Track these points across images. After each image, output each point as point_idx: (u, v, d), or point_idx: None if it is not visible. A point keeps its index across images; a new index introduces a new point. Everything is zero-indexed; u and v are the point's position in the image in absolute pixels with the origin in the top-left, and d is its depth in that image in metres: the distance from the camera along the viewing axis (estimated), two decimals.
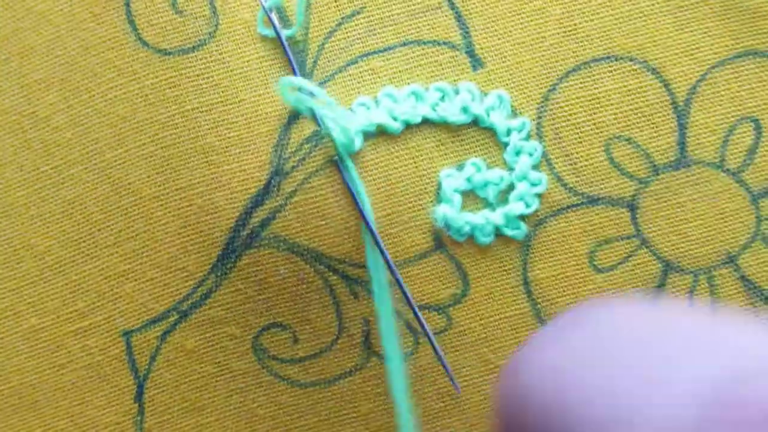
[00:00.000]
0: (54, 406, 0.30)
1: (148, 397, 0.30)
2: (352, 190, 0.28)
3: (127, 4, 0.29)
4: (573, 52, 0.29)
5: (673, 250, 0.29)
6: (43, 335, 0.30)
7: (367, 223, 0.28)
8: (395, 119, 0.29)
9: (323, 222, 0.29)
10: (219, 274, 0.30)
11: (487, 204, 0.29)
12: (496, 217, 0.29)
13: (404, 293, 0.28)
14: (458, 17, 0.29)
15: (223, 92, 0.29)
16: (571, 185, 0.29)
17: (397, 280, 0.28)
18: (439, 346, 0.30)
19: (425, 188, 0.29)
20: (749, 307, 0.30)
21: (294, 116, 0.29)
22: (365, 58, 0.29)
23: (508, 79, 0.29)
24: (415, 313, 0.28)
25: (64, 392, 0.30)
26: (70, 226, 0.30)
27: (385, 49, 0.29)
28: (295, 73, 0.28)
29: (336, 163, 0.29)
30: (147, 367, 0.30)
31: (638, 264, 0.29)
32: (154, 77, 0.29)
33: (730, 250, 0.29)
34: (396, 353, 0.26)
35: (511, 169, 0.29)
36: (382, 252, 0.28)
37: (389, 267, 0.28)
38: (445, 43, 0.29)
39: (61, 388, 0.30)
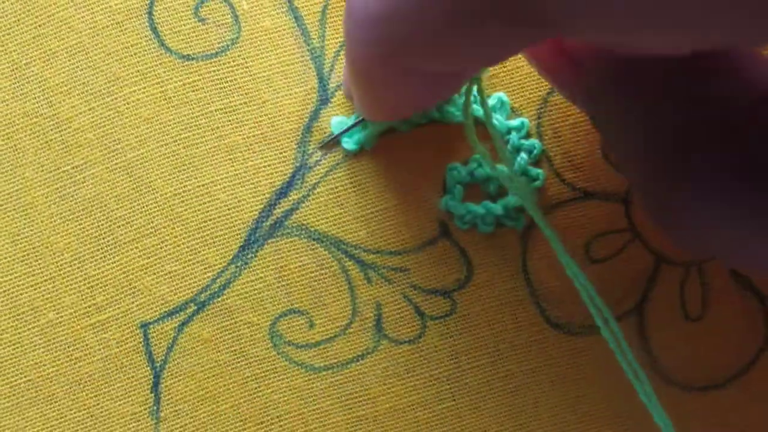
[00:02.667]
0: (71, 399, 0.31)
1: (164, 386, 0.31)
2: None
3: (150, 12, 0.30)
4: None
5: (664, 242, 0.30)
6: (61, 329, 0.31)
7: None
8: (405, 121, 0.30)
9: (342, 210, 0.31)
10: (239, 264, 0.31)
11: (490, 197, 0.31)
12: (497, 208, 0.30)
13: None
14: None
15: (246, 94, 0.30)
16: (569, 181, 0.31)
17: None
18: (445, 329, 0.31)
19: (433, 181, 0.31)
20: (739, 298, 0.31)
21: (315, 116, 0.31)
22: None
23: (509, 83, 0.31)
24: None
25: (81, 385, 0.31)
26: (89, 223, 0.30)
27: None
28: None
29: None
30: (163, 357, 0.31)
31: (631, 256, 0.30)
32: (177, 81, 0.30)
33: None
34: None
35: (511, 166, 0.30)
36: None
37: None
38: None
39: (78, 380, 0.31)
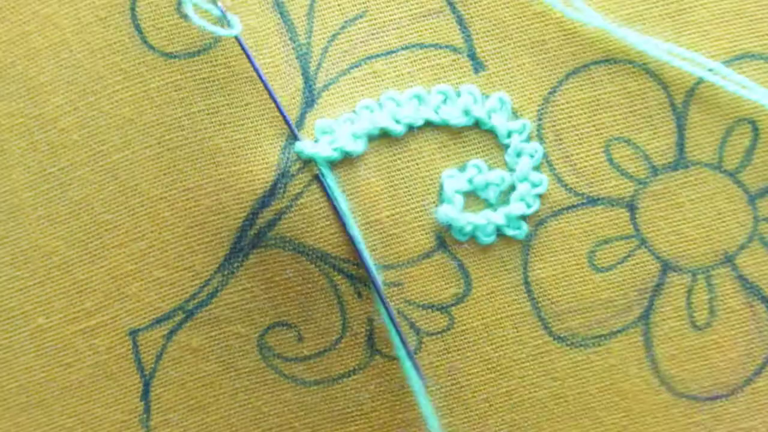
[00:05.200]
0: (61, 405, 0.30)
1: (154, 395, 0.30)
2: (335, 206, 0.28)
3: (133, 9, 0.30)
4: (573, 55, 0.29)
5: (671, 249, 0.30)
6: (50, 334, 0.30)
7: (352, 239, 0.28)
8: (398, 122, 0.29)
9: (328, 223, 0.30)
10: (226, 273, 0.30)
11: (489, 205, 0.30)
12: (498, 217, 0.29)
13: (382, 300, 0.28)
14: (460, 21, 0.30)
15: (229, 95, 0.30)
16: (572, 186, 0.30)
17: (377, 288, 0.28)
18: (442, 345, 0.30)
19: (428, 189, 0.30)
20: (747, 306, 0.30)
21: (300, 120, 0.30)
22: (368, 61, 0.30)
23: (510, 82, 0.30)
24: (391, 317, 0.28)
25: (71, 391, 0.30)
26: (77, 226, 0.30)
27: (387, 53, 0.30)
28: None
29: (318, 178, 0.29)
30: (153, 365, 0.30)
31: (637, 263, 0.30)
32: (160, 80, 0.30)
33: (727, 250, 0.30)
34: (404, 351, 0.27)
35: (512, 171, 0.30)
36: (366, 264, 0.28)
37: (370, 275, 0.28)
38: (447, 47, 0.30)
39: (68, 386, 0.30)
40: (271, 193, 0.30)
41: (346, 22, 0.30)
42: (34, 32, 0.30)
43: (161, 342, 0.30)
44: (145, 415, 0.30)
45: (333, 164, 0.30)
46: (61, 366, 0.30)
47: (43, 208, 0.30)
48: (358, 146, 0.29)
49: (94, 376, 0.30)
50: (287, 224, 0.30)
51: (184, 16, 0.30)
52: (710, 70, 0.29)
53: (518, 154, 0.29)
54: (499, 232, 0.30)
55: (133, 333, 0.30)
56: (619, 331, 0.30)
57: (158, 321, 0.30)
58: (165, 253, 0.30)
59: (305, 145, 0.29)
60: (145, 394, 0.30)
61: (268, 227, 0.30)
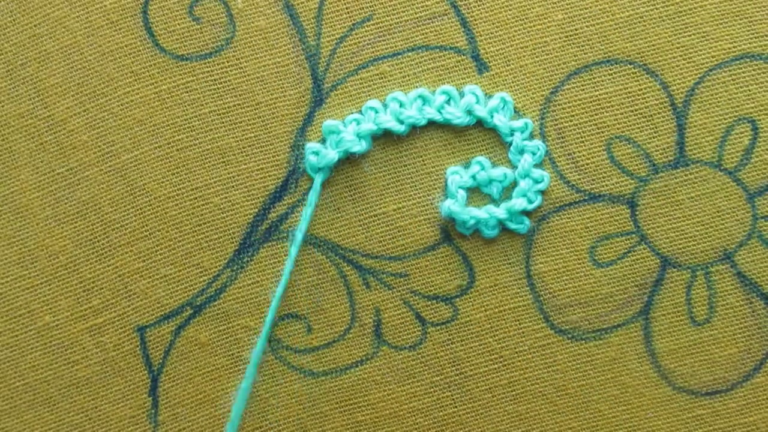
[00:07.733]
0: (68, 402, 0.31)
1: (162, 390, 0.30)
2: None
3: (145, 12, 0.30)
4: (574, 56, 0.30)
5: (671, 246, 0.30)
6: (57, 332, 0.30)
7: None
8: (401, 122, 0.30)
9: (338, 214, 0.30)
10: (235, 268, 0.30)
11: (493, 200, 0.30)
12: (499, 211, 0.30)
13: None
14: (464, 23, 0.30)
15: (240, 96, 0.30)
16: (574, 183, 0.30)
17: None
18: (447, 336, 0.31)
19: (433, 185, 0.30)
20: (746, 303, 0.30)
21: (309, 119, 0.30)
22: (375, 63, 0.30)
23: (512, 82, 0.30)
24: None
25: (79, 388, 0.30)
26: (84, 226, 0.30)
27: (394, 54, 0.30)
28: None
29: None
30: (161, 361, 0.30)
31: (637, 259, 0.30)
32: (170, 82, 0.30)
33: (726, 247, 0.30)
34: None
35: (515, 168, 0.30)
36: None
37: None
38: (451, 48, 0.30)
39: (75, 383, 0.30)
40: (283, 188, 0.30)
41: (354, 24, 0.30)
42: (45, 35, 0.30)
43: (169, 338, 0.30)
44: (153, 410, 0.31)
45: (340, 158, 0.30)
46: (68, 363, 0.30)
47: (51, 208, 0.30)
48: (362, 146, 0.30)
49: (101, 372, 0.30)
50: (299, 217, 0.30)
51: (197, 20, 0.30)
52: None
53: (520, 152, 0.30)
54: (503, 227, 0.30)
55: (141, 330, 0.30)
56: (619, 326, 0.30)
57: (166, 317, 0.30)
58: (172, 251, 0.30)
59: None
60: (153, 390, 0.30)
61: (280, 221, 0.30)
